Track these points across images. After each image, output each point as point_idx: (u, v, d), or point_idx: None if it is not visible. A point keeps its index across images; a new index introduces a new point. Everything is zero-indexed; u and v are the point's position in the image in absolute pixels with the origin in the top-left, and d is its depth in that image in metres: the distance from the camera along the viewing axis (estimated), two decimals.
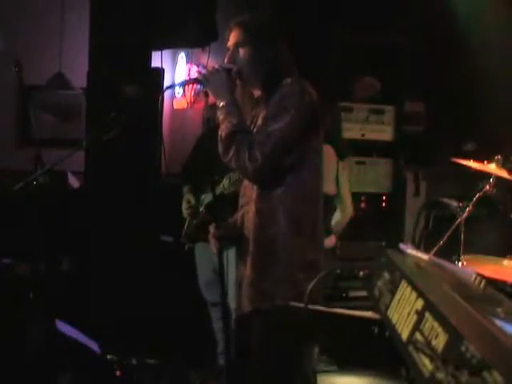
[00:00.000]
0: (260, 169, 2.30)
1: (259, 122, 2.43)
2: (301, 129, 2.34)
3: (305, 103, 2.34)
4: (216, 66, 2.46)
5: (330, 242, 3.66)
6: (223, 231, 2.57)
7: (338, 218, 3.82)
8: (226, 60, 2.49)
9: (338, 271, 3.01)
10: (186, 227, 3.90)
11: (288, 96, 2.33)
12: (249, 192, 2.50)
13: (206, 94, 2.55)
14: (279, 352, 2.37)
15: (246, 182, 2.55)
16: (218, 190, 3.63)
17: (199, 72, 2.48)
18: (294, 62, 2.50)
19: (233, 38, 2.49)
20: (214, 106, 3.92)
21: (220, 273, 2.62)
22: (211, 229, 2.58)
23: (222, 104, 2.39)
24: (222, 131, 2.36)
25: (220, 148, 2.38)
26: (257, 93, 2.52)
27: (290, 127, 2.31)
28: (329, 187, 3.64)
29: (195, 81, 2.56)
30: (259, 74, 2.44)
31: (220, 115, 2.39)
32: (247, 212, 2.50)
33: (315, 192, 2.43)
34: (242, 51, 2.46)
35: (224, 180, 3.58)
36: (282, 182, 2.37)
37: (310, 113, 2.35)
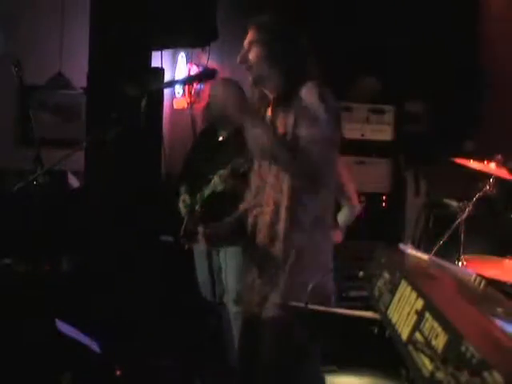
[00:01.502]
0: (309, 176, 2.31)
1: (281, 127, 2.39)
2: (330, 137, 2.34)
3: (331, 109, 2.33)
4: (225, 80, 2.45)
5: (338, 237, 3.59)
6: (213, 231, 2.56)
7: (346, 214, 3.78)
8: (238, 59, 2.48)
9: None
10: (183, 227, 3.91)
11: (315, 102, 2.31)
12: (268, 194, 2.47)
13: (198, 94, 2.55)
14: (290, 355, 2.36)
15: (260, 183, 2.51)
16: (209, 189, 3.65)
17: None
18: (315, 65, 2.47)
19: (248, 38, 2.48)
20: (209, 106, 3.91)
21: (210, 272, 2.61)
22: (200, 228, 2.56)
23: (249, 125, 2.37)
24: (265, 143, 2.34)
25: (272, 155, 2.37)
26: (271, 94, 2.49)
27: (324, 137, 2.30)
28: None
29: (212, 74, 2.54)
30: (272, 74, 2.42)
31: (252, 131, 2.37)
32: (261, 214, 2.48)
33: (328, 195, 2.44)
34: (253, 50, 2.44)
35: (215, 178, 3.59)
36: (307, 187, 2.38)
37: (335, 122, 2.36)
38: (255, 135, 2.36)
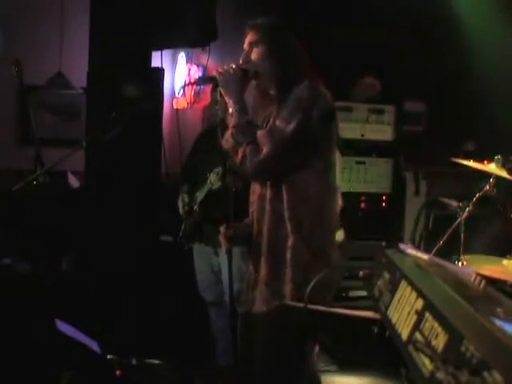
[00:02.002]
0: (258, 168, 2.32)
1: (271, 121, 2.45)
2: (307, 134, 2.34)
3: (316, 108, 2.34)
4: (233, 65, 2.47)
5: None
6: (233, 231, 2.57)
7: None
8: (241, 60, 2.52)
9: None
10: (183, 227, 3.91)
11: (300, 99, 2.35)
12: (259, 190, 2.50)
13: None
14: (283, 352, 2.37)
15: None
16: (206, 188, 3.64)
17: (216, 70, 2.48)
18: (308, 64, 2.51)
19: (247, 39, 2.53)
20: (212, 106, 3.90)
21: (229, 274, 2.61)
22: (221, 228, 2.58)
23: (230, 102, 2.42)
24: (231, 129, 2.40)
25: (228, 144, 2.41)
26: (272, 92, 2.54)
27: (295, 131, 2.32)
28: None
29: (211, 80, 2.56)
30: (273, 72, 2.46)
31: (229, 114, 2.43)
32: (256, 210, 2.51)
33: (317, 194, 2.41)
34: (255, 50, 2.49)
35: (211, 175, 3.58)
36: (286, 182, 2.39)
37: (319, 119, 2.35)
38: (231, 116, 2.41)
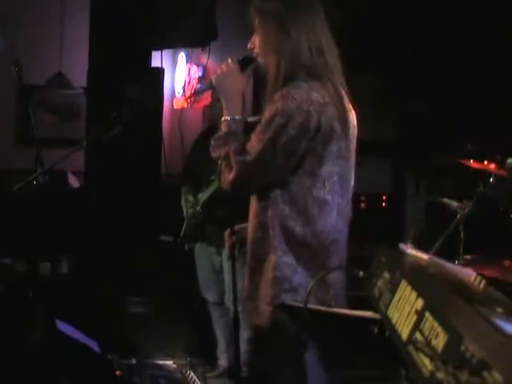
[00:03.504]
0: (229, 188, 2.19)
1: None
2: (275, 156, 2.14)
3: (291, 125, 2.12)
4: (230, 60, 2.29)
5: None
6: (236, 236, 2.49)
7: None
8: (249, 44, 2.30)
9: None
10: (184, 227, 3.91)
11: (275, 112, 2.13)
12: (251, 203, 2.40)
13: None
14: (278, 362, 2.34)
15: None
16: (212, 187, 3.64)
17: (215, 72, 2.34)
18: (316, 59, 2.31)
19: (253, 23, 2.30)
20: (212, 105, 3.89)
21: (232, 279, 2.58)
22: (226, 234, 2.51)
23: (227, 118, 2.26)
24: (220, 149, 2.23)
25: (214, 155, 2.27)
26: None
27: (257, 157, 2.15)
28: None
29: (210, 86, 2.42)
30: (266, 64, 2.26)
31: (223, 128, 2.25)
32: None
33: (306, 211, 2.21)
34: (256, 35, 2.28)
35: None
36: (271, 197, 2.22)
37: (297, 136, 2.13)
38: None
